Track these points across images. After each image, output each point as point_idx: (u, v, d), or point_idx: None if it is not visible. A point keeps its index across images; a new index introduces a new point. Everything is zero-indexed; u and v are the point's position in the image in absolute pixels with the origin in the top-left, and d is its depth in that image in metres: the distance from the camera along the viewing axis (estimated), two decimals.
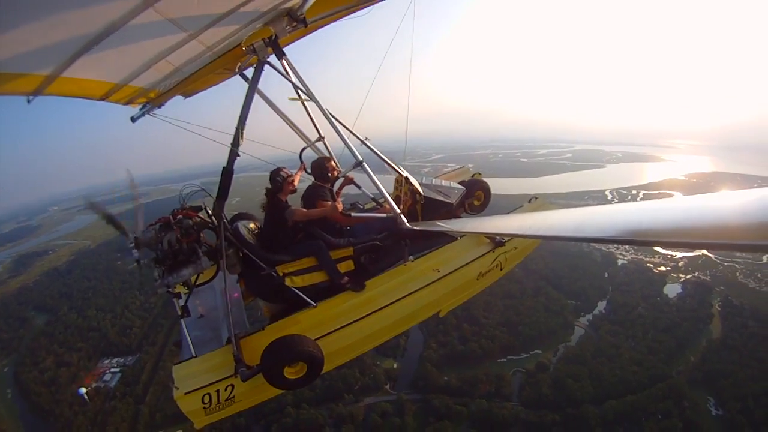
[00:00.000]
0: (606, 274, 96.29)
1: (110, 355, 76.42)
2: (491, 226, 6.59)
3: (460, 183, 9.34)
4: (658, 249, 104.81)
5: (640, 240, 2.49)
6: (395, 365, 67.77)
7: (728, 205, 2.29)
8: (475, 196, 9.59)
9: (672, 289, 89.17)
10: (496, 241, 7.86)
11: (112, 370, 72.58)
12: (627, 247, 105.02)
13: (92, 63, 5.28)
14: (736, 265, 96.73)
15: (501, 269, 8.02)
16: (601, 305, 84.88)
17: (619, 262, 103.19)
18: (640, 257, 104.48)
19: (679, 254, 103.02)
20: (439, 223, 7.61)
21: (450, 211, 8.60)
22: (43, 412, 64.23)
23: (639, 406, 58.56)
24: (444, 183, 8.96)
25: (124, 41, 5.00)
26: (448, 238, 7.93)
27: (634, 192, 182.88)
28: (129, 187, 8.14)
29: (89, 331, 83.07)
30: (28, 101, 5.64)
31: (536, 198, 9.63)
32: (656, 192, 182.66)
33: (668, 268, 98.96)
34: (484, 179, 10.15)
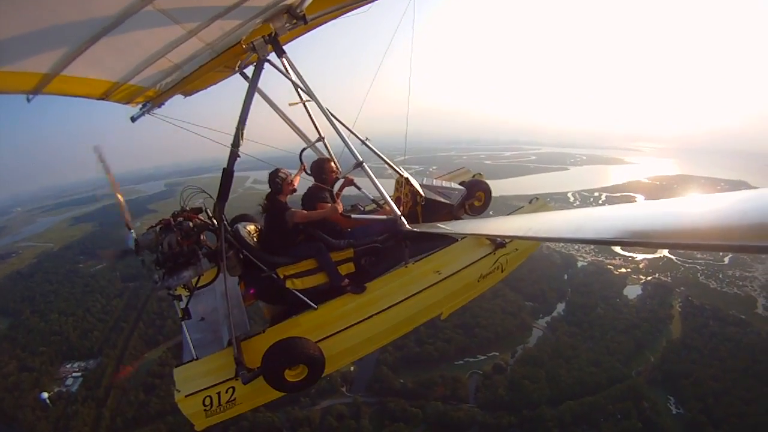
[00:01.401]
0: (565, 276, 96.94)
1: (72, 359, 75.53)
2: (491, 228, 6.67)
3: (460, 184, 9.27)
4: (618, 250, 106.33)
5: (640, 241, 2.45)
6: (351, 368, 66.97)
7: (727, 206, 2.27)
8: (476, 197, 9.52)
9: (632, 291, 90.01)
10: (497, 242, 7.85)
11: (74, 374, 71.62)
12: (588, 248, 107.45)
13: (92, 61, 5.30)
14: (698, 266, 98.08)
15: (502, 271, 7.99)
16: (560, 307, 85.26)
17: (579, 263, 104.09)
18: (601, 259, 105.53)
19: (639, 256, 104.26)
20: (439, 225, 7.55)
21: (451, 212, 8.57)
22: (5, 417, 63.22)
23: (597, 407, 59.01)
24: (444, 184, 8.88)
25: (124, 39, 5.00)
26: (448, 239, 7.93)
27: (596, 194, 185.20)
28: (100, 168, 7.99)
29: (51, 335, 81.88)
30: (28, 100, 5.64)
31: (537, 199, 9.73)
32: (619, 194, 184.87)
33: (628, 269, 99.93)
34: (485, 180, 10.07)
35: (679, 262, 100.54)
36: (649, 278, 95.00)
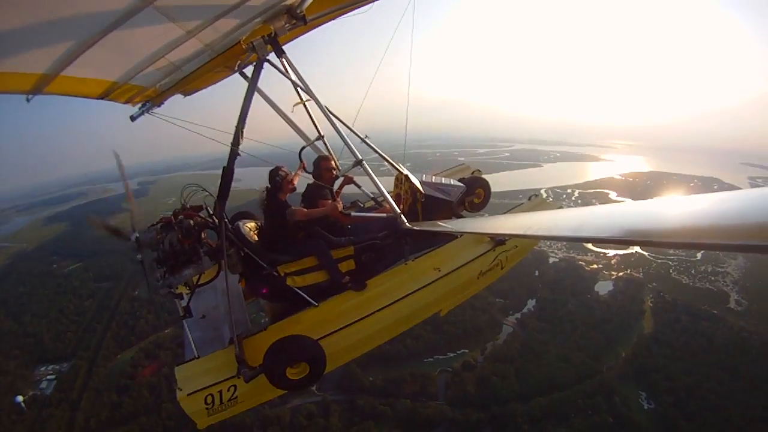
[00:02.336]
0: (536, 272, 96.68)
1: (46, 362, 74.84)
2: (491, 226, 6.54)
3: (459, 180, 9.27)
4: (590, 247, 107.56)
5: (641, 240, 2.47)
6: None
7: (728, 205, 2.26)
8: (476, 194, 9.61)
9: (603, 286, 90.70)
10: (497, 239, 7.89)
11: (49, 377, 71.26)
12: (560, 245, 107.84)
13: (92, 61, 5.29)
14: (670, 262, 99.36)
15: (502, 268, 8.05)
16: (531, 303, 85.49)
17: (551, 260, 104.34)
18: (572, 255, 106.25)
19: (611, 252, 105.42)
20: (439, 223, 7.58)
21: (451, 209, 8.55)
22: None
23: (567, 402, 59.36)
24: (444, 181, 8.88)
25: (124, 40, 5.01)
26: (448, 236, 7.93)
27: (569, 191, 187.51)
28: (118, 168, 8.33)
29: (25, 337, 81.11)
30: (28, 100, 5.61)
31: (536, 195, 9.99)
32: (591, 191, 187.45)
33: (600, 265, 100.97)
34: (484, 176, 10.20)
35: (651, 258, 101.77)
36: (620, 274, 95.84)
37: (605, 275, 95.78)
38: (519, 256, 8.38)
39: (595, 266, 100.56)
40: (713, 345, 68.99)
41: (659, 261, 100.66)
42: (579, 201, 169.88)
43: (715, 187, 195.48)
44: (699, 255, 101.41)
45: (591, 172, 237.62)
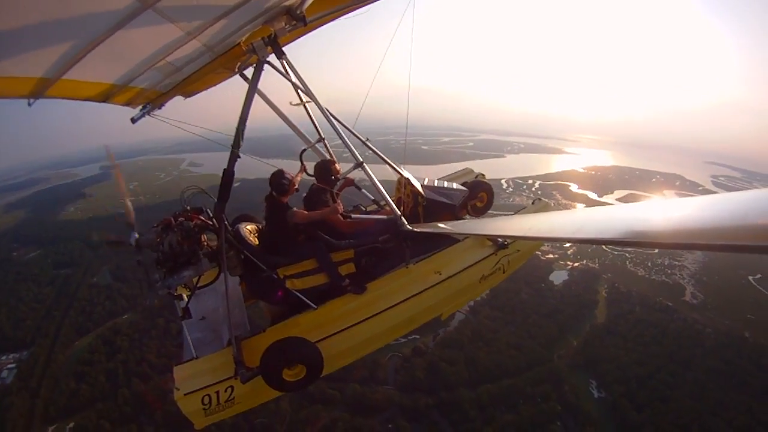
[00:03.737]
0: None
1: (6, 350, 74.27)
2: (490, 228, 6.73)
3: (462, 184, 9.17)
4: None
5: (641, 241, 2.41)
6: None
7: (726, 206, 2.28)
8: (478, 198, 9.45)
9: (558, 276, 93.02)
10: (499, 243, 7.87)
11: (9, 366, 70.81)
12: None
13: (92, 64, 5.17)
14: (627, 254, 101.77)
15: (504, 272, 8.00)
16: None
17: None
18: None
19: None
20: (439, 224, 7.54)
21: (453, 213, 8.47)
22: None
23: (516, 389, 60.48)
24: (446, 184, 8.76)
25: (124, 42, 4.91)
26: (450, 240, 7.90)
27: (530, 182, 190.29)
28: (108, 160, 8.02)
29: None
30: (29, 104, 5.50)
31: (539, 200, 9.91)
32: (552, 182, 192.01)
33: (556, 255, 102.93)
34: (487, 181, 10.06)
35: (608, 249, 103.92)
36: (576, 264, 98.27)
37: (561, 265, 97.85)
38: (521, 260, 8.34)
39: (551, 256, 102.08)
40: (667, 337, 70.80)
41: (616, 252, 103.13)
42: (539, 192, 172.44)
43: (677, 183, 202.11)
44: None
45: (554, 165, 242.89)
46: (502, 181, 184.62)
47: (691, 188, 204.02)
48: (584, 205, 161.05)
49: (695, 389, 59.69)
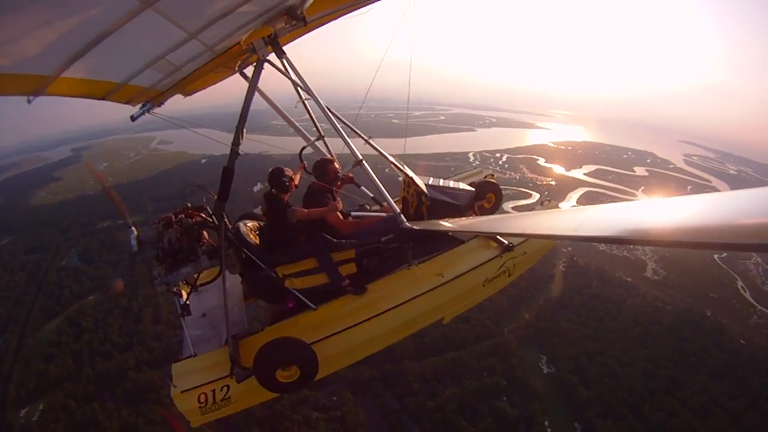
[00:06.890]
0: None
1: None
2: (492, 226, 6.58)
3: (470, 184, 9.06)
4: (506, 206, 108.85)
5: (641, 240, 2.47)
6: None
7: (726, 205, 2.34)
8: (486, 198, 9.44)
9: None
10: (504, 245, 7.77)
11: None
12: None
13: (93, 63, 5.28)
14: None
15: (509, 275, 7.86)
16: None
17: None
18: None
19: None
20: (441, 222, 7.46)
21: (459, 214, 8.25)
22: None
23: (461, 362, 62.11)
24: (452, 184, 8.66)
25: (125, 41, 4.98)
26: (453, 242, 7.83)
27: (497, 155, 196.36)
28: (98, 182, 7.88)
29: None
30: (29, 101, 5.52)
31: (549, 200, 10.11)
32: (521, 156, 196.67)
33: None
34: (496, 181, 9.97)
35: None
36: None
37: None
38: (528, 262, 8.30)
39: None
40: (622, 313, 72.64)
41: None
42: (506, 165, 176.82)
43: (648, 160, 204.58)
44: None
45: (525, 139, 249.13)
46: (470, 154, 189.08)
47: (662, 165, 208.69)
48: (551, 178, 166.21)
49: (649, 367, 60.93)
